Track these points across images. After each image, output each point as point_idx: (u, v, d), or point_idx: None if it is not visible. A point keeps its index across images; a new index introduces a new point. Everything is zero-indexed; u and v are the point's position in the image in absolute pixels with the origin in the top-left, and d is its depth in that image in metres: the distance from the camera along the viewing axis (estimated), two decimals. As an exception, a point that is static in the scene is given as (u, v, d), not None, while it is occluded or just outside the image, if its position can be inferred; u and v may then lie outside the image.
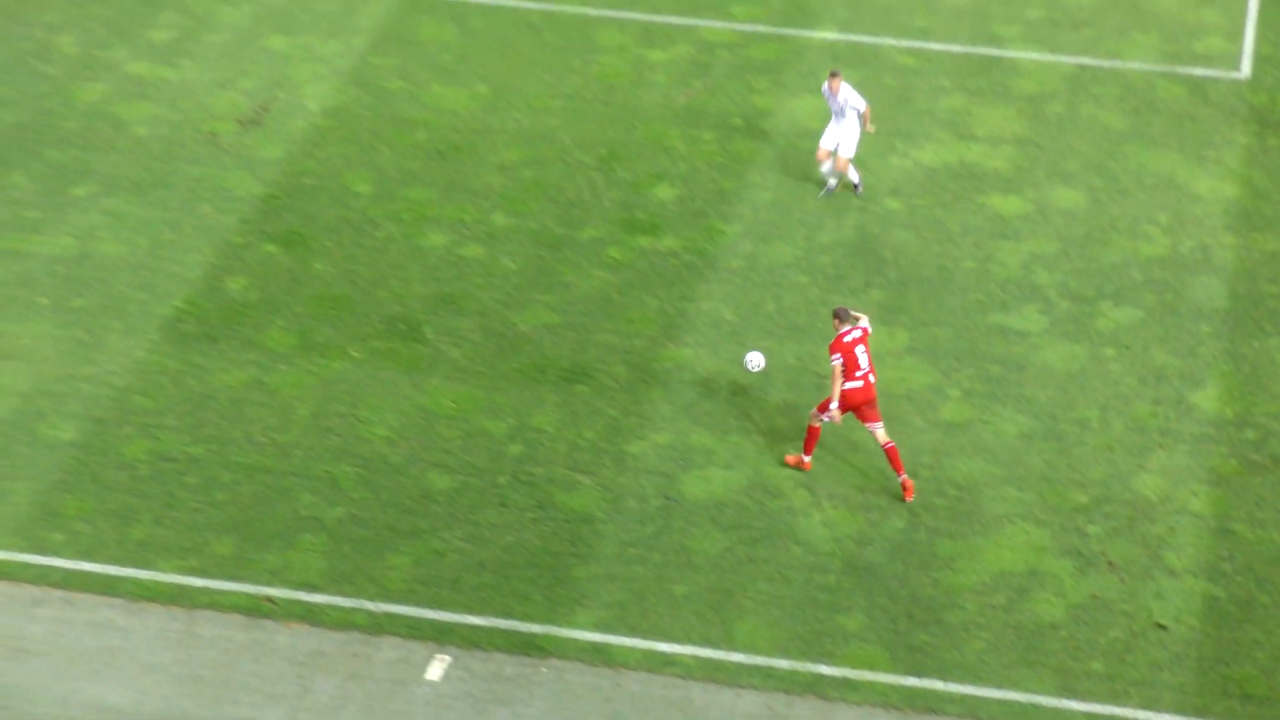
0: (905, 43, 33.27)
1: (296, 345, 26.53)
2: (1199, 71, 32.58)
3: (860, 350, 23.65)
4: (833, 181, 29.37)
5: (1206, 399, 25.79)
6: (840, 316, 23.70)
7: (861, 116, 28.77)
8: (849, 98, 28.60)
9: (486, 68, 32.54)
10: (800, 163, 30.17)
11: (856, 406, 23.85)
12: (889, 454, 24.08)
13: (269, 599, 22.75)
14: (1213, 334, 26.93)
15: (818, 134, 30.26)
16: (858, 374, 23.66)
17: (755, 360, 24.57)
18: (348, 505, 24.02)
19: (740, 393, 25.79)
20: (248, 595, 22.78)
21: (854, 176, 29.40)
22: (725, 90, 32.05)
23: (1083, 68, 32.70)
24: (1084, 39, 33.38)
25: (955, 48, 33.15)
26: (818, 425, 24.23)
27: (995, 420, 25.41)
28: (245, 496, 24.13)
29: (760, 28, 33.63)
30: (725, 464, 24.68)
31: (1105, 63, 32.82)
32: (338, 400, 25.61)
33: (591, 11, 33.97)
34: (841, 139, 28.95)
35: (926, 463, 24.71)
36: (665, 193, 29.63)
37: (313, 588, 22.87)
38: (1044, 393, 25.89)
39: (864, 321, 23.93)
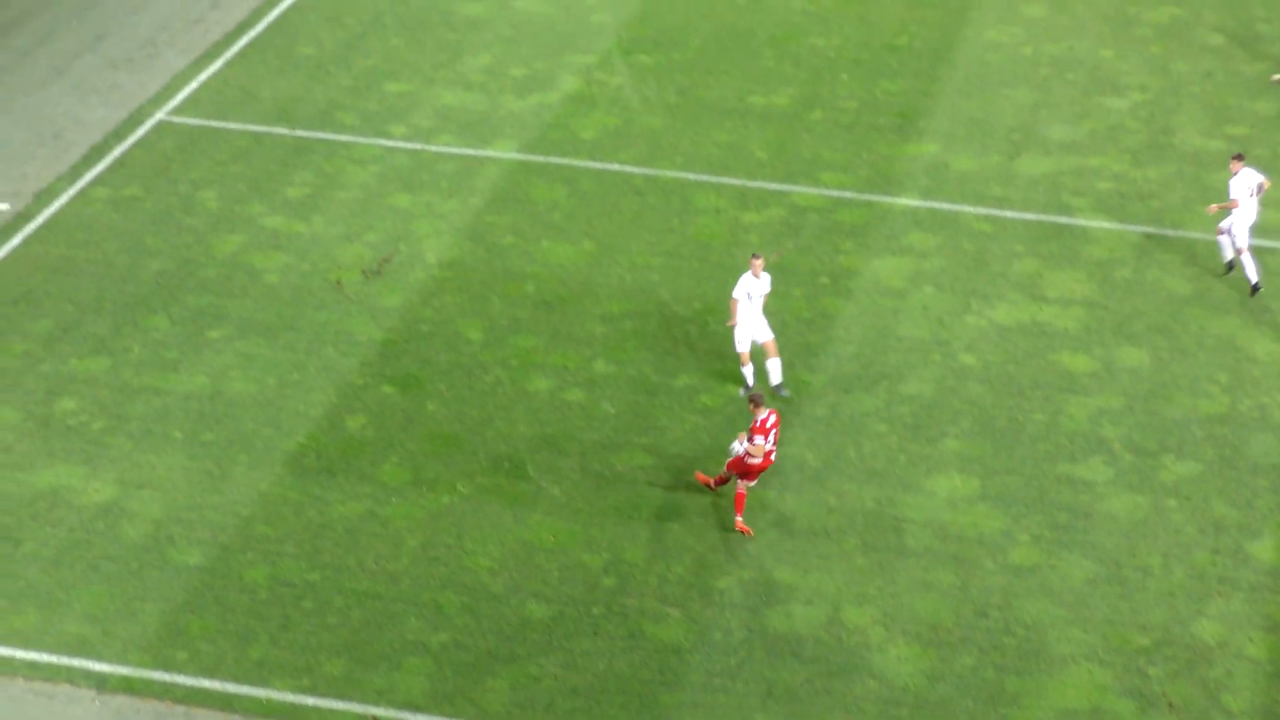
0: (982, 210, 33.04)
1: (409, 480, 26.38)
2: (1258, 242, 32.13)
3: (773, 432, 25.09)
4: (776, 378, 28.36)
5: (1263, 549, 25.21)
6: (756, 402, 25.13)
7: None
8: (767, 283, 28.04)
9: (593, 226, 32.52)
10: (882, 318, 29.92)
11: (757, 472, 25.39)
12: (738, 498, 25.21)
13: (375, 718, 22.48)
14: (1270, 488, 26.38)
15: (899, 293, 30.02)
16: (768, 450, 25.01)
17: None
18: (451, 631, 23.74)
19: (821, 535, 25.43)
20: (355, 714, 22.51)
21: (776, 376, 28.38)
22: (814, 250, 31.88)
23: (1149, 236, 32.34)
24: (1150, 210, 33.04)
25: (1029, 215, 32.89)
26: (743, 491, 25.42)
27: (1062, 565, 24.91)
28: (356, 620, 23.91)
29: (848, 194, 33.49)
30: (805, 600, 24.28)
31: (1170, 232, 32.46)
32: (445, 532, 25.40)
33: (691, 176, 33.95)
34: (756, 326, 28.16)
35: (996, 603, 24.23)
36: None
37: (416, 708, 22.58)
38: (1109, 539, 25.38)
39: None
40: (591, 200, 33.28)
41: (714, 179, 33.87)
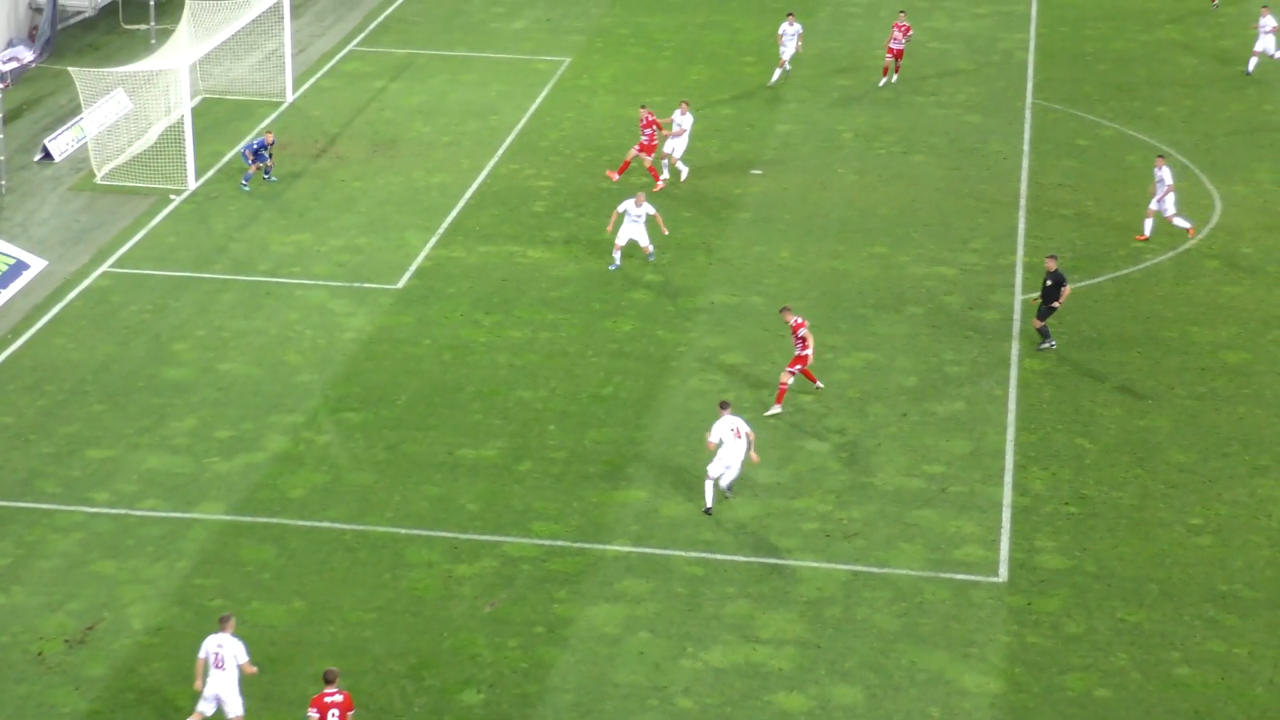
0: (693, 554, 33.58)
1: None
2: (961, 576, 33.12)
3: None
4: None
5: None
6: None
7: None
8: None
9: (304, 585, 32.33)
10: (599, 666, 30.04)
11: None
12: None
13: None
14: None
15: (615, 639, 30.22)
16: None
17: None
18: None
19: None
20: None
21: None
22: (528, 600, 32.03)
23: (856, 574, 33.12)
24: (856, 548, 33.90)
25: (739, 558, 33.51)
26: None
27: None
28: None
29: (560, 543, 33.83)
30: None
31: (876, 569, 33.29)
32: None
33: (402, 531, 34.04)
34: None
35: None
36: (472, 698, 29.31)
37: None
38: None
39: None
40: (301, 559, 33.13)
41: (425, 533, 34.00)
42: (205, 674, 28.00)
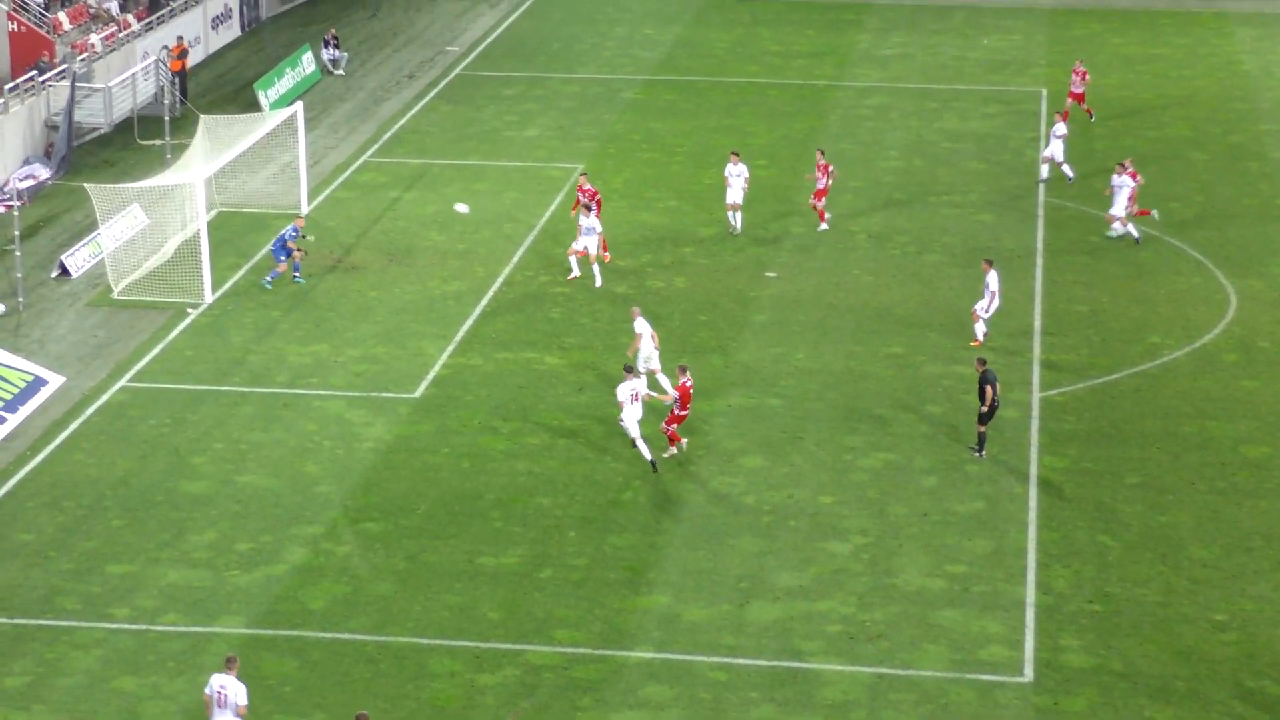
0: (716, 659, 33.48)
1: None
2: (986, 677, 32.96)
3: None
4: None
5: None
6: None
7: None
8: None
9: (325, 697, 32.23)
10: (623, 775, 29.92)
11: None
12: None
13: None
14: None
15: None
16: None
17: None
18: None
19: None
20: None
21: None
22: (551, 709, 31.90)
23: (880, 676, 32.98)
24: (880, 650, 33.77)
25: (762, 662, 33.39)
26: None
27: None
28: None
29: (582, 650, 33.73)
30: None
31: (901, 671, 33.15)
32: None
33: (424, 641, 33.96)
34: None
35: None
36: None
37: None
38: None
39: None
40: (323, 671, 33.04)
41: (447, 642, 33.92)
42: (211, 711, 29.22)
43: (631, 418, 40.01)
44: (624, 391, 40.02)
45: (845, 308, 48.90)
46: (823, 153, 54.47)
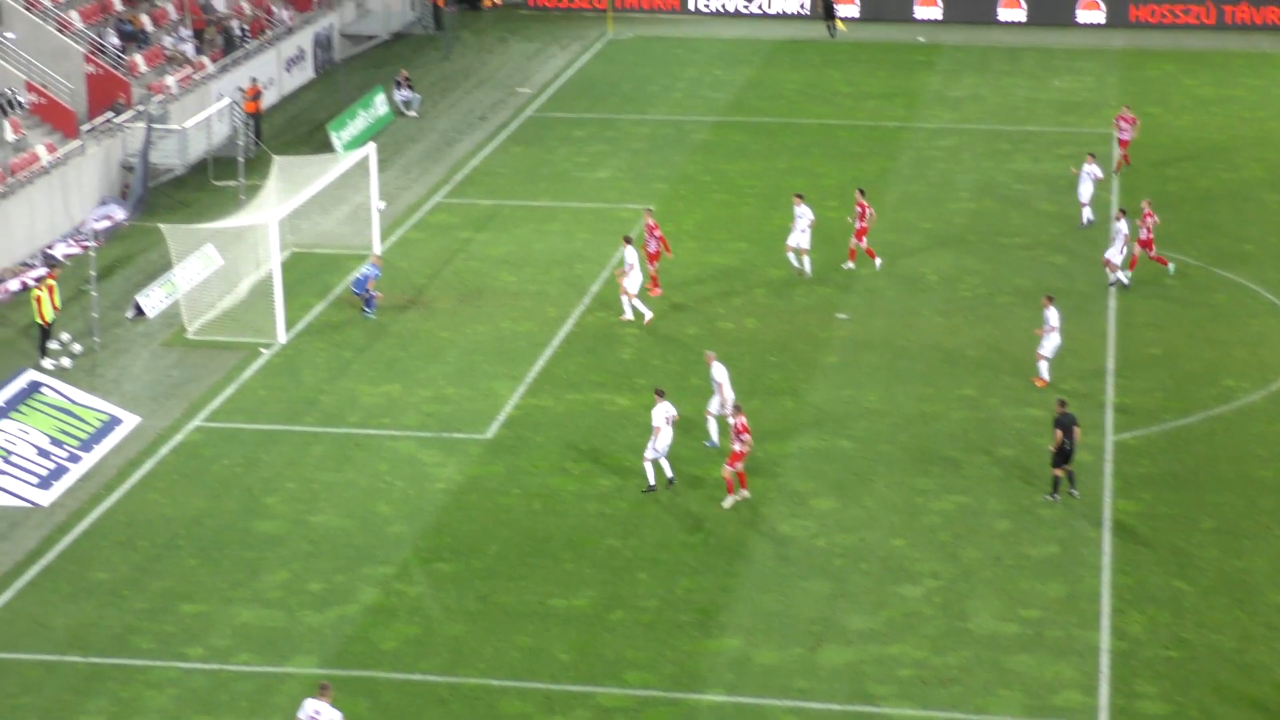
0: (787, 702, 33.35)
1: None
2: (1061, 721, 32.76)
3: None
4: None
5: None
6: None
7: None
8: None
9: (397, 739, 32.30)
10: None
11: None
12: None
13: None
14: None
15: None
16: None
17: None
18: None
19: None
20: None
21: None
22: (622, 753, 31.87)
23: (953, 721, 32.85)
24: (953, 695, 33.57)
25: (834, 706, 33.25)
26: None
27: None
28: None
29: (653, 692, 33.67)
30: None
31: (974, 717, 32.94)
32: None
33: (495, 682, 33.96)
34: None
35: None
36: None
37: None
38: None
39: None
40: (394, 712, 33.07)
41: (518, 684, 33.90)
42: None
43: (664, 442, 40.56)
44: (659, 415, 40.54)
45: (916, 349, 48.76)
46: (862, 193, 54.52)
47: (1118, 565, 37.97)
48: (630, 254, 50.19)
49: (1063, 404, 40.74)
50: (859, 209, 53.74)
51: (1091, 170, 57.38)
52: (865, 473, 41.85)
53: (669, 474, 40.79)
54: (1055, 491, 40.44)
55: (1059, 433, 40.01)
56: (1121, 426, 44.06)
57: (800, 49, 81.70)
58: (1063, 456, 40.23)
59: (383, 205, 53.66)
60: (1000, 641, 35.27)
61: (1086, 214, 57.56)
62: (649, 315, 50.20)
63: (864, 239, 54.01)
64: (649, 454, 40.72)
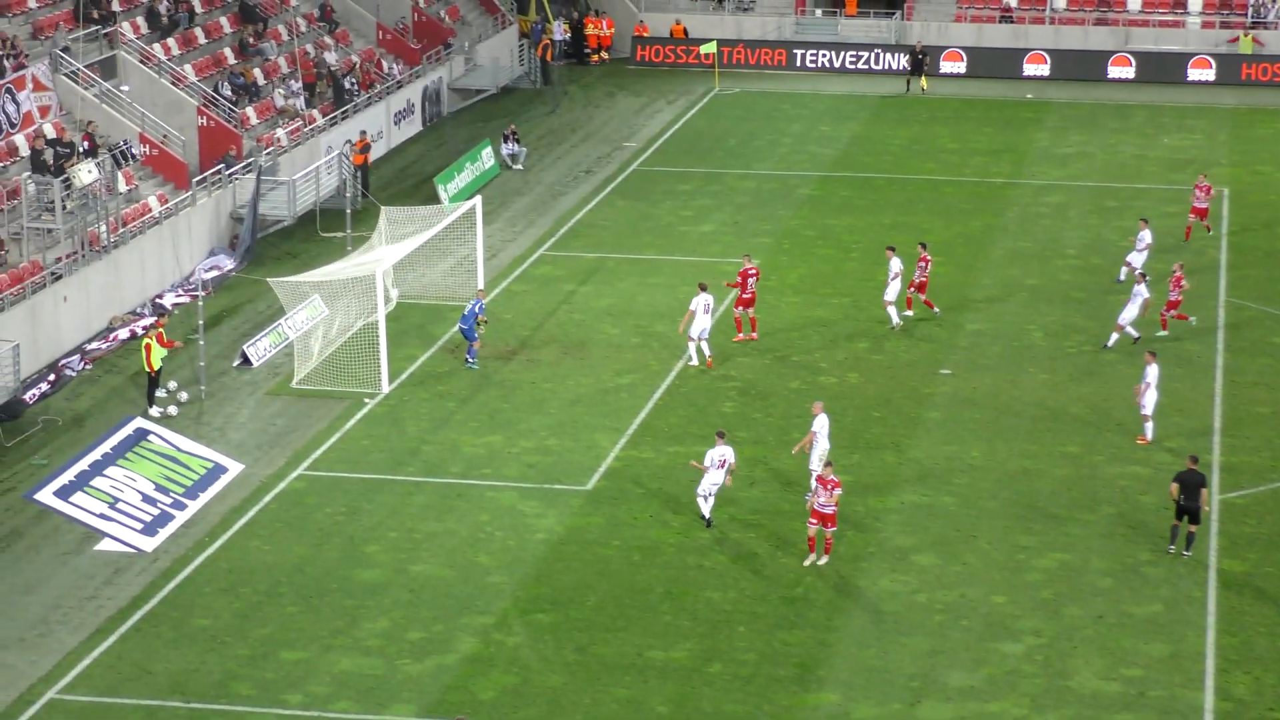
0: (886, 759, 33.11)
1: None
2: None
3: None
4: None
5: None
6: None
7: None
8: None
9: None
10: None
11: None
12: None
13: None
14: None
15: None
16: None
17: None
18: None
19: None
20: None
21: None
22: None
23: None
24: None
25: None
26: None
27: None
28: None
29: (749, 747, 33.52)
30: None
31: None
32: None
33: (591, 734, 33.94)
34: None
35: None
36: None
37: None
38: None
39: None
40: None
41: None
42: None
43: (710, 481, 41.05)
44: (712, 457, 41.07)
45: (1020, 406, 48.44)
46: (924, 246, 54.40)
47: (1223, 625, 37.48)
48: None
49: (1194, 460, 40.35)
50: (921, 262, 53.68)
51: (1144, 236, 56.92)
52: (967, 529, 41.57)
53: (705, 514, 41.31)
54: (1172, 541, 40.07)
55: (1174, 486, 39.65)
56: (1228, 485, 43.55)
57: (906, 104, 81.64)
58: (1179, 512, 39.81)
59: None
60: (1102, 700, 34.87)
61: (1124, 271, 57.15)
62: (709, 358, 50.51)
63: (925, 291, 53.96)
64: (699, 490, 41.36)
